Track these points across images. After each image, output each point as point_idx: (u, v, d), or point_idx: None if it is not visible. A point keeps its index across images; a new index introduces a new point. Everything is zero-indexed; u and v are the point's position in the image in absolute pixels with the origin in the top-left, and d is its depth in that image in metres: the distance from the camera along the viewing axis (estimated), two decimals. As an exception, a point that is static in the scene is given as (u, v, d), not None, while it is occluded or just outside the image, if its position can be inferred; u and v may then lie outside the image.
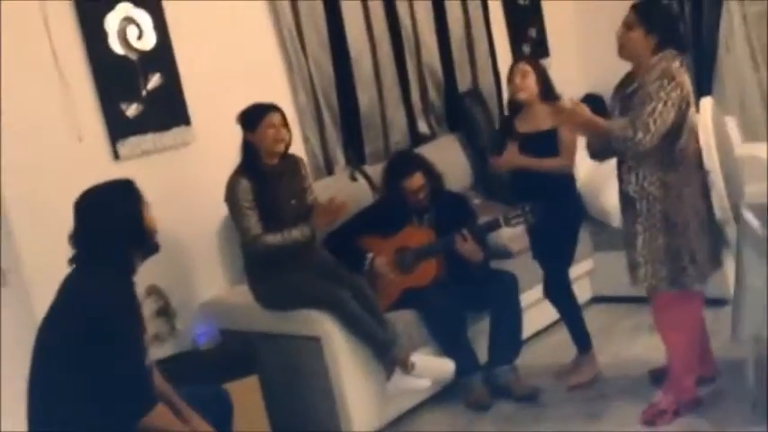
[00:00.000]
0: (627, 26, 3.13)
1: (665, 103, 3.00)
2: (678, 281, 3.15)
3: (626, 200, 3.23)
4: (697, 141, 3.17)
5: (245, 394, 3.28)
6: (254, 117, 3.51)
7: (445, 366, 3.60)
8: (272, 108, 3.55)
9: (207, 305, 3.84)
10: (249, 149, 3.53)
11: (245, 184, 3.46)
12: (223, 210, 3.81)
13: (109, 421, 2.40)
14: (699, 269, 3.14)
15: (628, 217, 3.23)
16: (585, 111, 3.13)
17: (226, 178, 3.55)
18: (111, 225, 2.49)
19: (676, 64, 3.08)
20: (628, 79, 3.21)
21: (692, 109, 3.13)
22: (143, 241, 2.56)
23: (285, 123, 3.57)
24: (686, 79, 3.10)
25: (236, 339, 3.65)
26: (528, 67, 3.64)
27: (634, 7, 3.16)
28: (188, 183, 3.85)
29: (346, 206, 3.61)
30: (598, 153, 3.35)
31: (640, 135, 2.99)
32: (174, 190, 3.74)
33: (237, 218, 3.49)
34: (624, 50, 3.16)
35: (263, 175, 3.51)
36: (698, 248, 3.13)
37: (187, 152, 3.86)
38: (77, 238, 2.51)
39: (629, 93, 3.13)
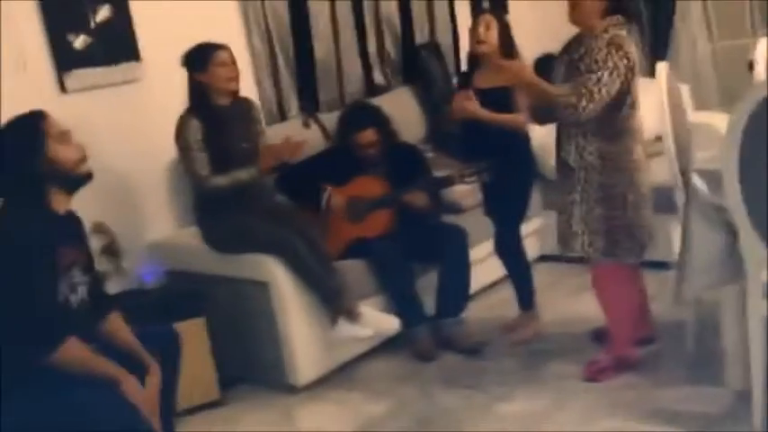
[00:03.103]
0: None
1: (612, 73, 2.96)
2: (613, 252, 3.15)
3: (564, 167, 3.19)
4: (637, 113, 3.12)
5: (192, 335, 3.25)
6: (202, 56, 3.42)
7: (390, 323, 3.60)
8: (220, 46, 3.47)
9: (155, 245, 3.77)
10: (198, 90, 3.44)
11: (195, 124, 3.39)
12: (173, 149, 3.73)
13: (20, 355, 2.35)
14: (634, 242, 3.15)
15: (565, 185, 3.19)
16: (530, 73, 3.10)
17: (176, 117, 3.46)
18: (9, 164, 2.45)
19: (624, 33, 3.05)
20: (575, 43, 3.17)
21: (636, 80, 3.09)
22: (54, 175, 2.47)
23: (234, 61, 3.51)
24: (633, 49, 3.06)
25: (184, 280, 3.61)
26: (492, 19, 3.61)
27: None
28: (138, 120, 3.74)
29: (302, 145, 3.55)
30: (540, 117, 3.30)
31: (584, 103, 2.95)
32: (124, 126, 3.64)
33: (186, 159, 3.43)
34: (575, 13, 3.10)
35: (215, 117, 3.44)
36: (634, 222, 3.13)
37: (137, 88, 3.75)
38: None
39: (576, 58, 3.09)
